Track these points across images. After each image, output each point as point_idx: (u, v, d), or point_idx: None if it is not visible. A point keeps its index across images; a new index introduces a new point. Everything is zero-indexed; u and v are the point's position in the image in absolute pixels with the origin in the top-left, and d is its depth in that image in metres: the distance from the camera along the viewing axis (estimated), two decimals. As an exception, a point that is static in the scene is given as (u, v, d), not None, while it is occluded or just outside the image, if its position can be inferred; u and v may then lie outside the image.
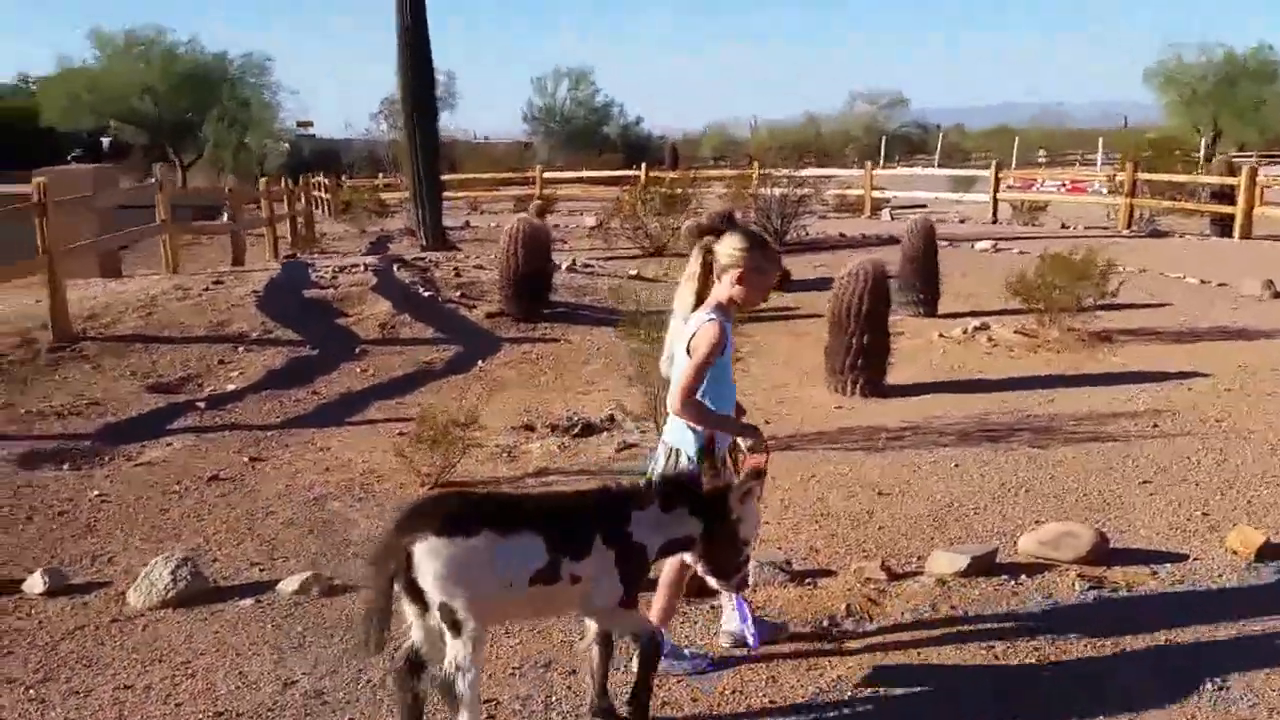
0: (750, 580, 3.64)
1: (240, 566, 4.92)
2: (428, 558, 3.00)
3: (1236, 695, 3.56)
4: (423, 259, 13.75)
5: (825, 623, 4.16)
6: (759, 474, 3.53)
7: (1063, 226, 21.24)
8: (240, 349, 9.68)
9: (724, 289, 3.72)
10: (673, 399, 3.64)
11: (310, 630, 4.23)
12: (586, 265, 14.32)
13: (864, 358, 7.79)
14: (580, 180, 31.29)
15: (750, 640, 3.83)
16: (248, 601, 4.50)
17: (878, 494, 5.68)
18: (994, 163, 25.09)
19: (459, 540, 3.02)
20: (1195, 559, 4.68)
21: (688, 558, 3.53)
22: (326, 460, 6.66)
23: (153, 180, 13.27)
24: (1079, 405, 7.47)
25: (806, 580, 4.52)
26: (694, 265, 3.81)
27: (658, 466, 3.80)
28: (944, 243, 17.08)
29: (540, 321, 10.78)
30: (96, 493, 6.02)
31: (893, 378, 8.35)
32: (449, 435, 5.96)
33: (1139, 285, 12.79)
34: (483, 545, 3.05)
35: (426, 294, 11.38)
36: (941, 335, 9.95)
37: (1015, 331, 9.73)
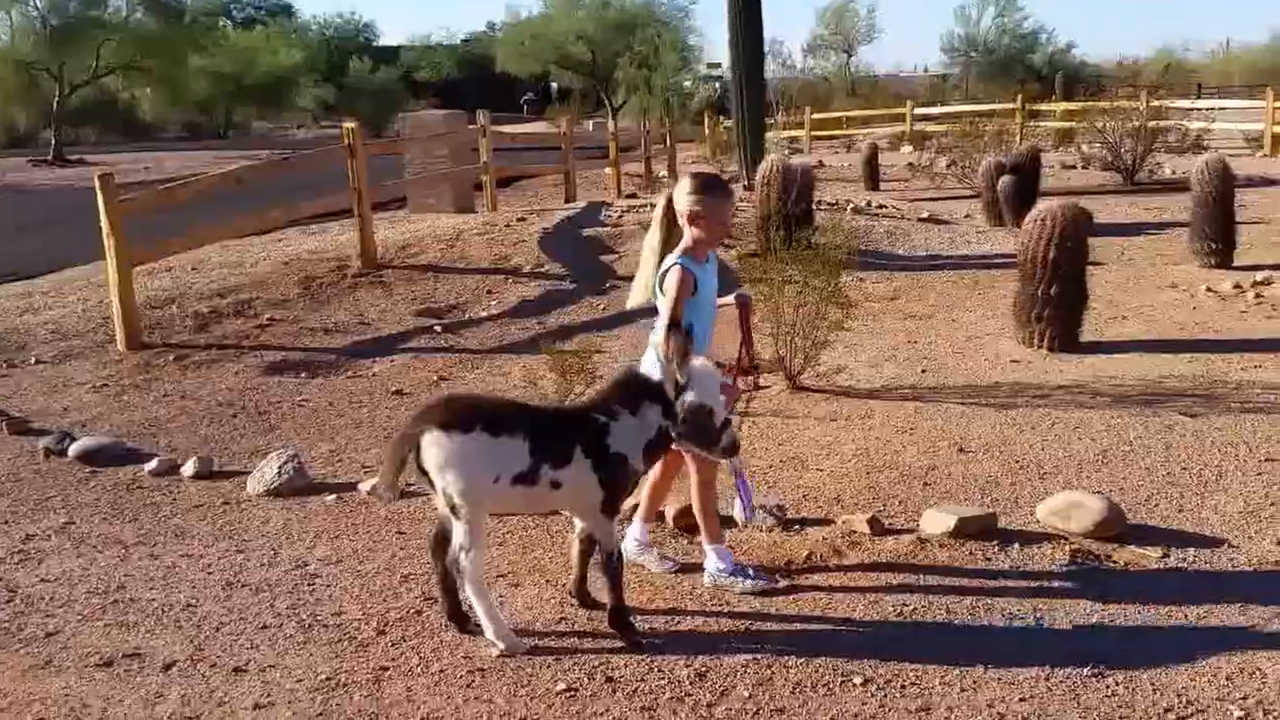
0: (739, 444, 3.73)
1: (352, 468, 5.73)
2: (429, 447, 3.56)
3: (1118, 680, 3.35)
4: (716, 199, 14.16)
5: (779, 569, 4.26)
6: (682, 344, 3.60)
7: None
8: (510, 280, 10.64)
9: (687, 234, 4.01)
10: (658, 330, 3.97)
11: (357, 525, 4.93)
12: (881, 206, 14.11)
13: (1051, 309, 7.33)
14: (951, 115, 30.05)
15: (742, 515, 4.06)
16: (331, 498, 5.27)
17: (959, 451, 5.53)
18: None
19: (456, 435, 3.54)
20: (1231, 546, 4.26)
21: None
22: (498, 383, 7.37)
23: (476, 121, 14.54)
24: (1292, 373, 6.64)
25: (793, 527, 4.60)
26: (657, 213, 4.13)
27: None
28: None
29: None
30: (301, 397, 7.11)
31: (1109, 333, 7.80)
32: (571, 366, 6.44)
33: None
34: (475, 442, 3.55)
35: (692, 233, 11.81)
36: (1209, 289, 9.03)
37: (1293, 289, 8.61)
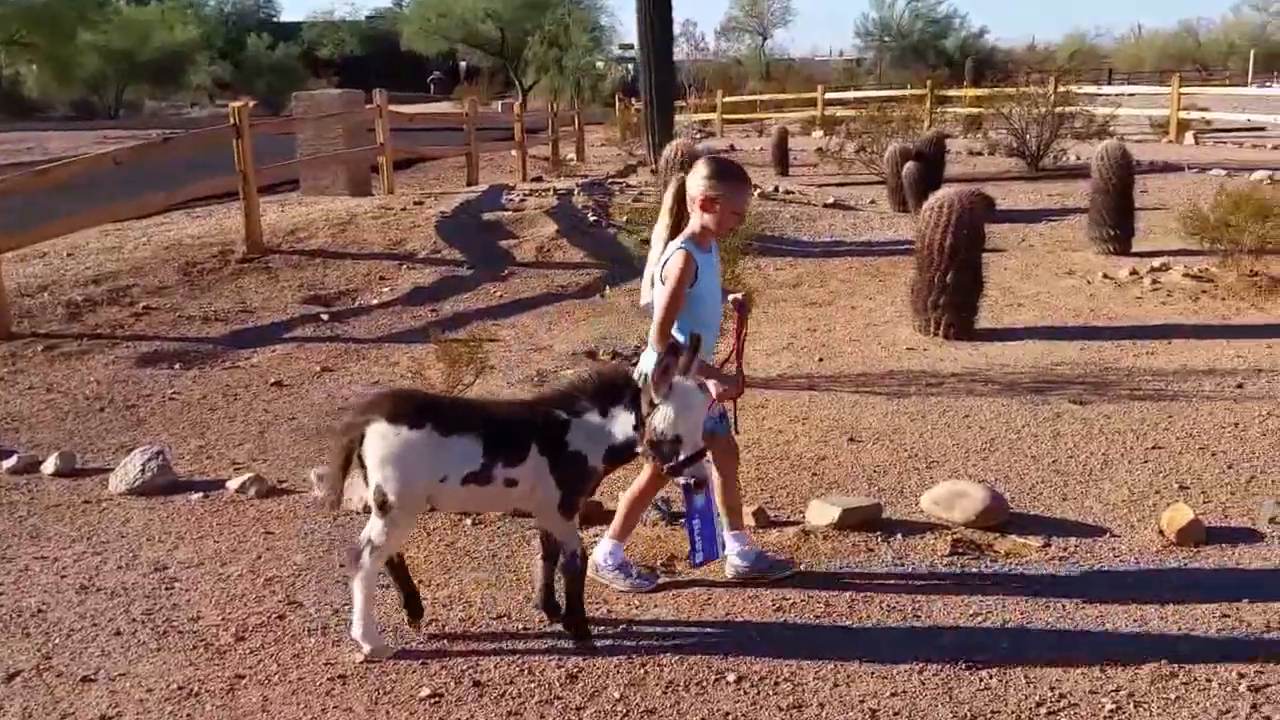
0: (705, 481, 3.57)
1: (222, 464, 5.48)
2: (374, 439, 3.36)
3: (991, 673, 3.31)
4: (619, 183, 14.07)
5: (660, 564, 4.16)
6: (676, 355, 3.38)
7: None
8: (404, 267, 10.37)
9: (695, 219, 3.81)
10: (653, 329, 3.78)
11: (222, 525, 4.69)
12: (789, 192, 14.11)
13: (948, 296, 7.35)
14: (862, 101, 30.32)
15: (695, 558, 3.81)
16: (197, 496, 5.02)
17: (849, 440, 5.48)
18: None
19: (404, 430, 3.35)
20: (1113, 536, 4.26)
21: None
22: (385, 373, 7.16)
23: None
24: (1180, 359, 6.78)
25: (678, 520, 4.49)
26: (668, 197, 3.92)
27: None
28: (1220, 171, 15.47)
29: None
30: (173, 390, 6.81)
31: (1005, 320, 7.85)
32: (460, 356, 6.27)
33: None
34: (423, 439, 3.35)
35: (593, 219, 11.69)
36: (1106, 276, 9.17)
37: (1185, 274, 8.76)
